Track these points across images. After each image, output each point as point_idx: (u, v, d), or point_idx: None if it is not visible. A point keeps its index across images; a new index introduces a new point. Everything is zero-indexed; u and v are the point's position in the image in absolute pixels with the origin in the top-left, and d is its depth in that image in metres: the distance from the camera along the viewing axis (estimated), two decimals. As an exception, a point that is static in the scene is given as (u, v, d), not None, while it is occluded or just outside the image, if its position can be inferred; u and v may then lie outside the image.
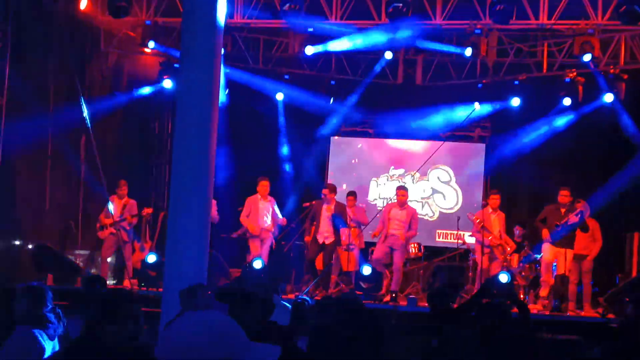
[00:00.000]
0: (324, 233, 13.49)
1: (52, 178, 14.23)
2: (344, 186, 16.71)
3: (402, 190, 13.66)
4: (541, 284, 13.01)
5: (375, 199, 17.51)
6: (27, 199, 13.84)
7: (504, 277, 12.62)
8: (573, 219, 12.63)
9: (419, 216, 14.84)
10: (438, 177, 17.38)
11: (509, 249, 13.44)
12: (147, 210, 14.12)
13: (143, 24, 14.83)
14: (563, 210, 12.80)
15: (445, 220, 16.72)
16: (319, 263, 13.69)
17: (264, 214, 13.76)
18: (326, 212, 13.50)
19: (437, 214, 17.22)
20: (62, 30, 13.23)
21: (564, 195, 12.88)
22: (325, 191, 13.63)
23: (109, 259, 14.17)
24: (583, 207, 12.84)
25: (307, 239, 13.98)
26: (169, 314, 6.97)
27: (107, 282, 13.81)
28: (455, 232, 14.81)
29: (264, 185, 13.78)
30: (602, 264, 13.40)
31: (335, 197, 13.79)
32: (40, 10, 12.99)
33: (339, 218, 13.46)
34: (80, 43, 14.77)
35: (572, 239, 12.70)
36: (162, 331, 3.50)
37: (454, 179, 17.29)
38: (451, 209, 17.04)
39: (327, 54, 15.92)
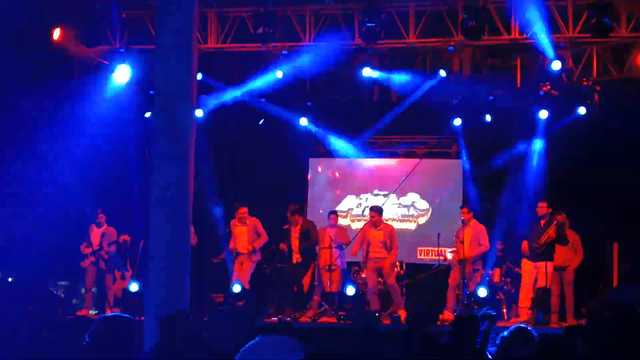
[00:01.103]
0: (295, 254, 13.57)
1: (31, 207, 14.15)
2: (323, 206, 16.74)
3: (372, 212, 13.71)
4: (519, 308, 12.97)
5: (355, 218, 17.51)
6: (6, 230, 13.75)
7: (482, 292, 12.67)
8: (552, 234, 12.66)
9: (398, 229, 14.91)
10: (413, 202, 17.43)
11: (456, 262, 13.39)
12: (124, 237, 14.07)
13: (116, 51, 14.80)
14: (542, 222, 12.85)
15: (426, 235, 16.72)
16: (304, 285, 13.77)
17: (243, 239, 13.79)
18: (293, 234, 13.56)
19: (415, 227, 17.29)
20: (34, 60, 13.20)
21: (541, 207, 12.94)
22: (288, 214, 13.70)
23: (93, 289, 14.11)
24: (563, 219, 12.92)
25: (282, 245, 13.98)
26: (151, 342, 6.92)
27: (90, 311, 13.78)
28: (436, 248, 14.83)
29: (240, 212, 13.84)
30: (584, 274, 13.45)
31: (299, 217, 13.81)
32: (13, 40, 12.96)
33: (305, 241, 13.53)
34: (54, 73, 14.73)
35: (551, 251, 12.75)
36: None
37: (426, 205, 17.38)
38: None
39: (301, 74, 15.96)
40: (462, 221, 13.48)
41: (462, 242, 13.18)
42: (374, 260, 13.38)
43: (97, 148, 15.29)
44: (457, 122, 15.78)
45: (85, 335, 5.91)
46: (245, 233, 13.83)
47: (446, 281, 13.92)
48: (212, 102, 15.88)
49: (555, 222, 12.69)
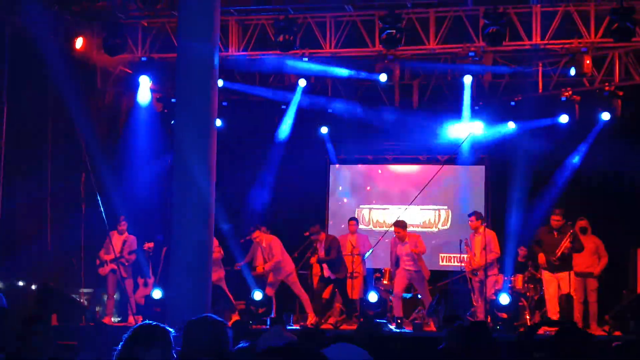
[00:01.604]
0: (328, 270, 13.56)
1: (52, 217, 14.24)
2: (345, 212, 16.73)
3: (396, 227, 13.67)
4: (548, 312, 12.90)
5: (379, 226, 17.49)
6: (28, 239, 13.84)
7: (504, 299, 12.59)
8: (567, 245, 12.56)
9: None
10: (435, 209, 17.44)
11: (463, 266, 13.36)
12: (149, 245, 14.14)
13: (139, 60, 14.89)
14: (556, 234, 12.73)
15: (448, 242, 16.68)
16: (325, 293, 13.73)
17: (262, 257, 13.87)
18: (319, 247, 13.54)
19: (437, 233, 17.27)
20: (58, 70, 13.29)
21: (555, 220, 12.79)
22: (313, 229, 13.62)
23: (115, 296, 14.18)
24: (585, 224, 12.84)
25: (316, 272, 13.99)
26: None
27: (112, 319, 13.83)
28: (458, 255, 14.77)
29: (254, 236, 13.96)
30: (607, 280, 13.37)
31: (323, 233, 13.76)
32: (35, 50, 13.05)
33: (328, 258, 13.50)
34: (77, 82, 14.82)
35: (569, 261, 12.65)
36: None
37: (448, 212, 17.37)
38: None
39: (323, 82, 16.00)
40: (473, 229, 13.47)
41: (471, 250, 13.25)
42: (407, 271, 13.47)
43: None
44: (477, 129, 15.80)
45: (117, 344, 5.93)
46: (259, 255, 14.02)
47: (466, 288, 13.89)
48: (233, 108, 15.93)
49: (570, 231, 12.58)
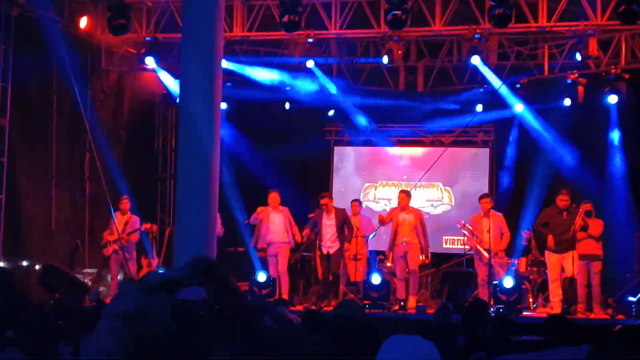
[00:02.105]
0: (327, 242, 13.44)
1: (57, 198, 14.26)
2: (348, 195, 16.71)
3: (402, 193, 13.63)
4: (551, 302, 12.88)
5: (384, 206, 17.48)
6: (33, 220, 13.87)
7: (508, 282, 12.59)
8: (580, 222, 12.57)
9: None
10: (439, 191, 17.42)
11: (485, 252, 13.17)
12: (146, 226, 14.12)
13: (143, 40, 14.86)
14: (565, 214, 12.72)
15: (451, 225, 16.66)
16: (326, 274, 13.70)
17: (276, 226, 13.68)
18: (327, 221, 13.46)
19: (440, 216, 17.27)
20: (62, 50, 13.26)
21: (562, 200, 12.79)
22: (324, 201, 13.56)
23: (118, 277, 14.19)
24: (590, 207, 12.82)
25: (305, 234, 13.83)
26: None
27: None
28: (462, 237, 14.76)
29: (273, 197, 13.72)
30: (611, 264, 13.36)
31: (333, 203, 13.74)
32: (39, 30, 13.02)
33: (345, 228, 13.47)
34: (81, 62, 14.80)
35: (573, 241, 12.64)
36: None
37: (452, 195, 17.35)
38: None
39: (328, 64, 15.94)
40: (482, 211, 13.38)
41: (485, 232, 13.11)
42: (401, 245, 13.29)
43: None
44: (479, 108, 15.81)
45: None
46: (279, 221, 13.74)
47: (470, 271, 13.88)
48: (238, 89, 15.89)
49: (582, 210, 12.58)
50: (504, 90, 14.92)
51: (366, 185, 17.81)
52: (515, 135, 16.36)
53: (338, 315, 5.77)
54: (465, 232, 13.61)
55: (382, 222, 13.67)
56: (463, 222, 13.68)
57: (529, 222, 13.72)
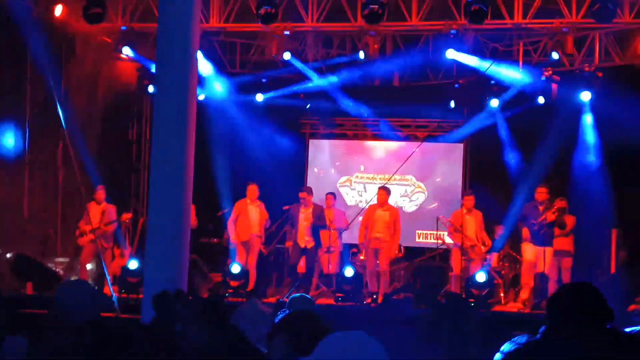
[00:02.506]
0: (305, 237, 13.51)
1: (30, 186, 14.17)
2: (323, 187, 16.72)
3: (381, 189, 13.69)
4: (522, 286, 13.03)
5: (357, 201, 17.54)
6: (5, 208, 13.77)
7: (481, 276, 12.68)
8: (550, 217, 12.71)
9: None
10: (413, 186, 17.48)
11: (483, 247, 13.41)
12: (127, 216, 14.11)
13: (118, 29, 14.79)
14: (541, 208, 12.87)
15: (425, 219, 16.74)
16: (300, 266, 13.72)
17: (254, 218, 13.73)
18: (303, 215, 13.51)
19: (413, 211, 17.34)
20: (37, 38, 13.17)
21: (540, 192, 12.94)
22: (302, 194, 13.63)
23: (88, 266, 14.10)
24: (564, 204, 12.93)
25: (288, 244, 13.96)
26: (148, 318, 6.95)
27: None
28: (435, 232, 14.85)
29: (252, 189, 13.79)
30: (582, 260, 13.48)
31: (312, 199, 13.80)
32: (13, 18, 12.92)
33: (319, 224, 13.51)
34: (56, 50, 14.70)
35: (551, 236, 12.77)
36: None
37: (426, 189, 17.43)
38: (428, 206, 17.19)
39: (304, 57, 15.93)
40: (463, 206, 13.47)
41: (461, 227, 13.21)
42: (374, 241, 13.37)
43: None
44: (452, 104, 15.92)
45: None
46: (257, 214, 13.78)
47: (443, 265, 13.96)
48: (213, 82, 15.88)
49: (556, 206, 12.71)
50: (492, 69, 14.88)
51: (342, 178, 17.82)
52: (490, 131, 16.42)
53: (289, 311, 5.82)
54: (447, 227, 13.64)
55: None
56: (445, 217, 13.74)
57: (502, 218, 13.81)
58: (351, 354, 2.66)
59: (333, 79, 16.01)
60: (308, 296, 6.78)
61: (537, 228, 12.73)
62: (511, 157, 16.01)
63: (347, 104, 16.75)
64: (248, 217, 13.71)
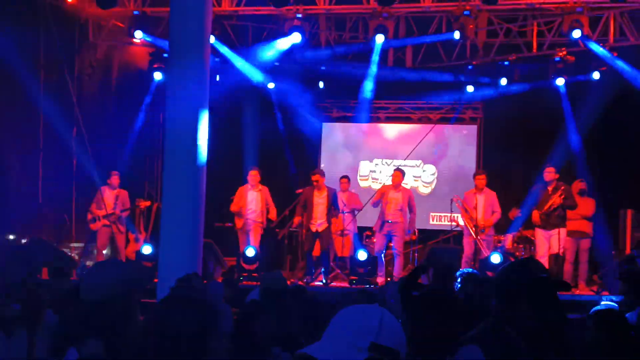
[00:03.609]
0: (317, 220, 13.43)
1: (44, 171, 14.21)
2: (337, 171, 16.71)
3: (396, 171, 13.62)
4: None
5: (369, 184, 17.53)
6: (20, 194, 13.82)
7: (496, 258, 12.65)
8: (557, 200, 12.61)
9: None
10: (426, 168, 17.45)
11: (474, 227, 13.19)
12: (145, 204, 14.14)
13: (131, 14, 14.77)
14: (550, 190, 12.77)
15: (439, 201, 16.70)
16: (315, 250, 13.70)
17: (252, 204, 13.70)
18: (317, 198, 13.44)
19: (428, 193, 17.31)
20: (50, 23, 13.17)
21: (548, 172, 12.84)
22: (315, 177, 13.51)
23: (104, 251, 14.17)
24: (584, 186, 12.90)
25: (296, 219, 13.80)
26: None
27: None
28: (449, 214, 14.82)
29: (253, 175, 13.74)
30: (597, 241, 13.43)
31: (325, 181, 13.71)
32: (27, 2, 12.93)
33: (333, 207, 13.45)
34: (69, 35, 14.71)
35: (562, 219, 12.69)
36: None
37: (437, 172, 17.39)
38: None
39: (316, 40, 15.88)
40: (476, 188, 13.38)
41: (475, 209, 13.14)
42: (387, 223, 13.33)
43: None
44: (470, 88, 15.80)
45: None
46: (256, 199, 13.76)
47: (457, 247, 13.91)
48: (225, 65, 15.83)
49: (562, 187, 12.63)
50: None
51: (361, 162, 17.79)
52: (503, 112, 16.34)
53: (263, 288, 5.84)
54: (460, 207, 13.59)
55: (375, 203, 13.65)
56: (459, 197, 13.65)
57: (517, 199, 13.76)
58: (364, 323, 2.67)
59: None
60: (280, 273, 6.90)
61: (542, 213, 12.66)
62: (524, 137, 15.95)
63: (361, 86, 16.69)
64: (247, 202, 13.70)
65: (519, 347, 3.46)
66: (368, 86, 16.29)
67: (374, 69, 15.73)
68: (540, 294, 3.56)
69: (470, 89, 15.89)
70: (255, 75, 16.07)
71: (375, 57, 15.45)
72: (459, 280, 6.65)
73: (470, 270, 7.01)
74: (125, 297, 3.59)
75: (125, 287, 3.56)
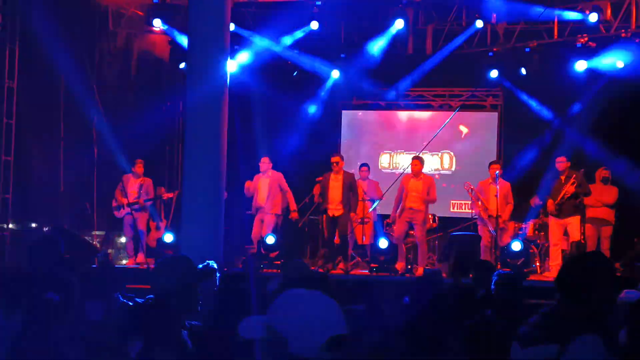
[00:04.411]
0: (333, 205, 13.32)
1: (65, 160, 14.27)
2: (356, 158, 16.68)
3: (415, 159, 13.51)
4: (550, 260, 12.95)
5: (388, 170, 17.49)
6: (41, 182, 13.90)
7: (517, 245, 12.60)
8: (570, 189, 12.53)
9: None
10: (448, 155, 17.41)
11: (488, 217, 13.11)
12: (168, 195, 14.19)
13: (150, 2, 14.80)
14: (563, 178, 12.69)
15: (459, 189, 16.64)
16: (336, 238, 13.69)
17: (264, 191, 13.69)
18: (333, 182, 13.35)
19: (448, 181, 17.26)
20: (70, 11, 13.20)
21: (559, 162, 12.75)
22: (335, 158, 13.41)
23: (123, 239, 14.25)
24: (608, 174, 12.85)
25: (317, 196, 13.80)
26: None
27: (124, 261, 13.94)
28: (469, 201, 14.76)
29: (262, 162, 13.75)
30: (620, 228, 13.35)
31: (344, 166, 13.62)
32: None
33: (350, 192, 13.39)
34: (89, 23, 14.74)
35: (577, 207, 12.61)
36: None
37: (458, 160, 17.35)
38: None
39: (337, 25, 15.85)
40: (492, 177, 13.26)
41: (488, 199, 13.07)
42: (408, 211, 13.24)
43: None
44: (494, 74, 15.70)
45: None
46: (266, 185, 13.76)
47: (477, 234, 13.87)
48: (245, 54, 15.84)
49: (574, 176, 12.54)
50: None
51: (382, 153, 17.76)
52: (524, 100, 16.27)
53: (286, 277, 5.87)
54: (471, 195, 13.52)
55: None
56: (471, 185, 13.56)
57: (537, 188, 13.67)
58: (306, 310, 2.70)
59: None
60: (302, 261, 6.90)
61: (556, 203, 12.60)
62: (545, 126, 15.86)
63: (378, 74, 16.66)
64: (258, 190, 13.72)
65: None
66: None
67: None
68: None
69: (493, 74, 15.78)
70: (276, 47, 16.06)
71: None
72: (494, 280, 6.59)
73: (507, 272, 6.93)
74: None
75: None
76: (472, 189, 13.42)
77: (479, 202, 13.21)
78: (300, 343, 2.66)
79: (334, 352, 2.65)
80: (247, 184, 13.84)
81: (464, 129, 17.29)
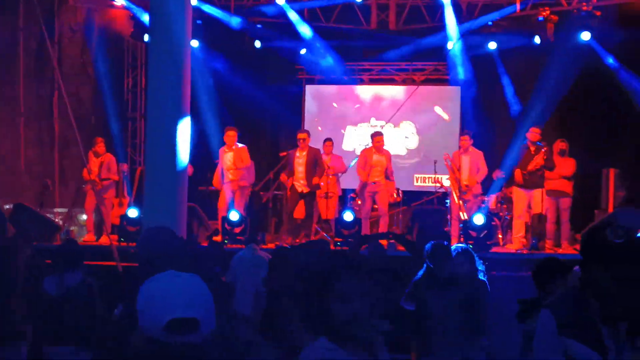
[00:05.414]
0: (300, 180, 13.39)
1: (26, 137, 14.13)
2: (321, 133, 16.67)
3: (378, 136, 13.58)
4: (513, 232, 13.07)
5: (354, 147, 17.51)
6: (1, 160, 13.75)
7: (479, 219, 12.67)
8: (540, 161, 12.62)
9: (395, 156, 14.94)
10: (410, 129, 17.45)
11: (458, 190, 13.21)
12: (123, 168, 14.08)
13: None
14: (533, 150, 12.76)
15: (422, 163, 16.74)
16: (298, 212, 13.68)
17: (229, 165, 13.58)
18: (299, 158, 13.37)
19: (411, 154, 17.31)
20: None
21: (533, 132, 12.82)
22: (302, 135, 13.44)
23: (84, 216, 14.15)
24: (564, 146, 12.93)
25: (282, 178, 13.79)
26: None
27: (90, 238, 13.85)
28: (433, 175, 14.83)
29: (229, 135, 13.57)
30: (580, 200, 13.49)
31: (310, 142, 13.63)
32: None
33: (314, 167, 13.41)
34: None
35: (541, 178, 12.70)
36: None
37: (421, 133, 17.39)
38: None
39: (299, 2, 15.79)
40: (461, 148, 13.39)
41: (459, 170, 13.16)
42: (371, 185, 13.34)
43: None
44: (450, 46, 15.72)
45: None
46: (231, 158, 13.65)
47: (442, 208, 13.95)
48: (207, 27, 15.73)
49: (545, 148, 12.62)
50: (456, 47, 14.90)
51: (345, 127, 17.76)
52: (487, 73, 16.33)
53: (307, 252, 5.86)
54: (448, 167, 13.56)
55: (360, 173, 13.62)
56: (449, 156, 13.58)
57: (499, 160, 13.77)
58: (178, 291, 2.71)
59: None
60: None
61: (525, 173, 12.69)
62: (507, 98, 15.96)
63: (342, 48, 16.65)
64: (224, 164, 13.63)
65: (593, 310, 3.54)
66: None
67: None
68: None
69: (450, 46, 15.80)
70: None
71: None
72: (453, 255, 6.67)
73: (464, 246, 7.02)
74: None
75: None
76: (449, 160, 13.48)
77: (453, 173, 13.27)
78: (146, 319, 2.68)
79: (177, 335, 2.66)
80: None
81: (427, 103, 17.34)
